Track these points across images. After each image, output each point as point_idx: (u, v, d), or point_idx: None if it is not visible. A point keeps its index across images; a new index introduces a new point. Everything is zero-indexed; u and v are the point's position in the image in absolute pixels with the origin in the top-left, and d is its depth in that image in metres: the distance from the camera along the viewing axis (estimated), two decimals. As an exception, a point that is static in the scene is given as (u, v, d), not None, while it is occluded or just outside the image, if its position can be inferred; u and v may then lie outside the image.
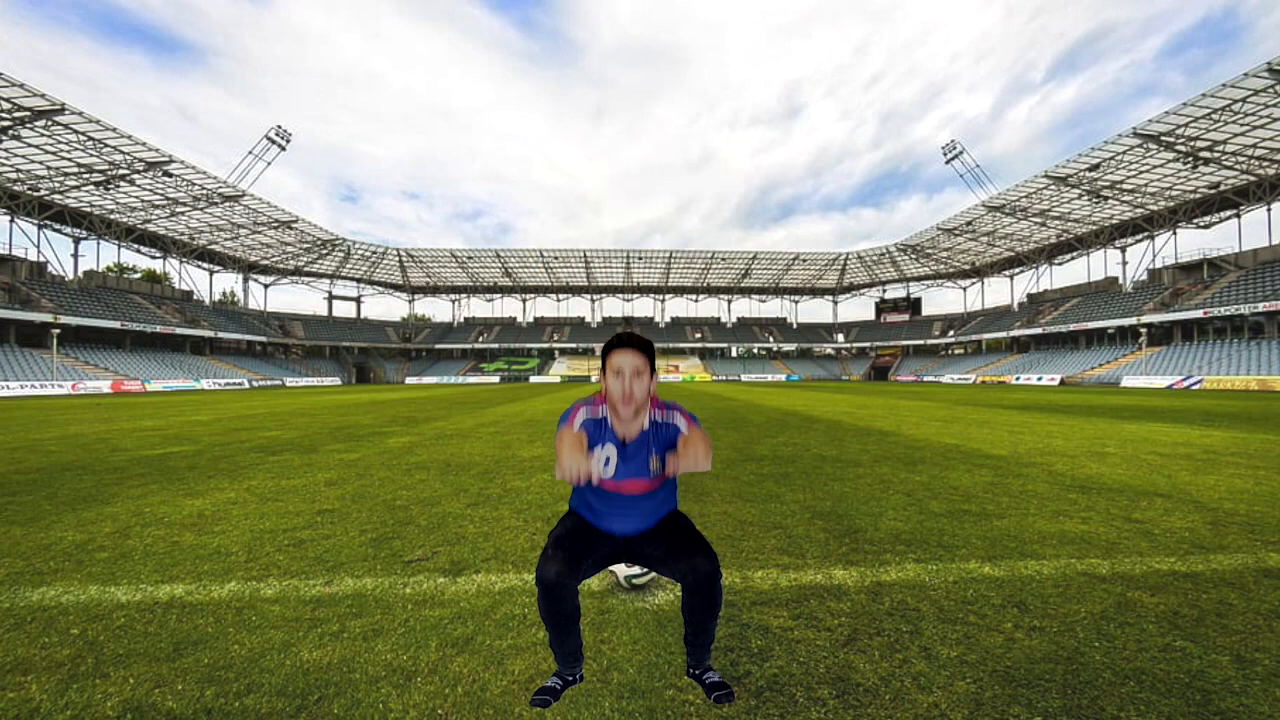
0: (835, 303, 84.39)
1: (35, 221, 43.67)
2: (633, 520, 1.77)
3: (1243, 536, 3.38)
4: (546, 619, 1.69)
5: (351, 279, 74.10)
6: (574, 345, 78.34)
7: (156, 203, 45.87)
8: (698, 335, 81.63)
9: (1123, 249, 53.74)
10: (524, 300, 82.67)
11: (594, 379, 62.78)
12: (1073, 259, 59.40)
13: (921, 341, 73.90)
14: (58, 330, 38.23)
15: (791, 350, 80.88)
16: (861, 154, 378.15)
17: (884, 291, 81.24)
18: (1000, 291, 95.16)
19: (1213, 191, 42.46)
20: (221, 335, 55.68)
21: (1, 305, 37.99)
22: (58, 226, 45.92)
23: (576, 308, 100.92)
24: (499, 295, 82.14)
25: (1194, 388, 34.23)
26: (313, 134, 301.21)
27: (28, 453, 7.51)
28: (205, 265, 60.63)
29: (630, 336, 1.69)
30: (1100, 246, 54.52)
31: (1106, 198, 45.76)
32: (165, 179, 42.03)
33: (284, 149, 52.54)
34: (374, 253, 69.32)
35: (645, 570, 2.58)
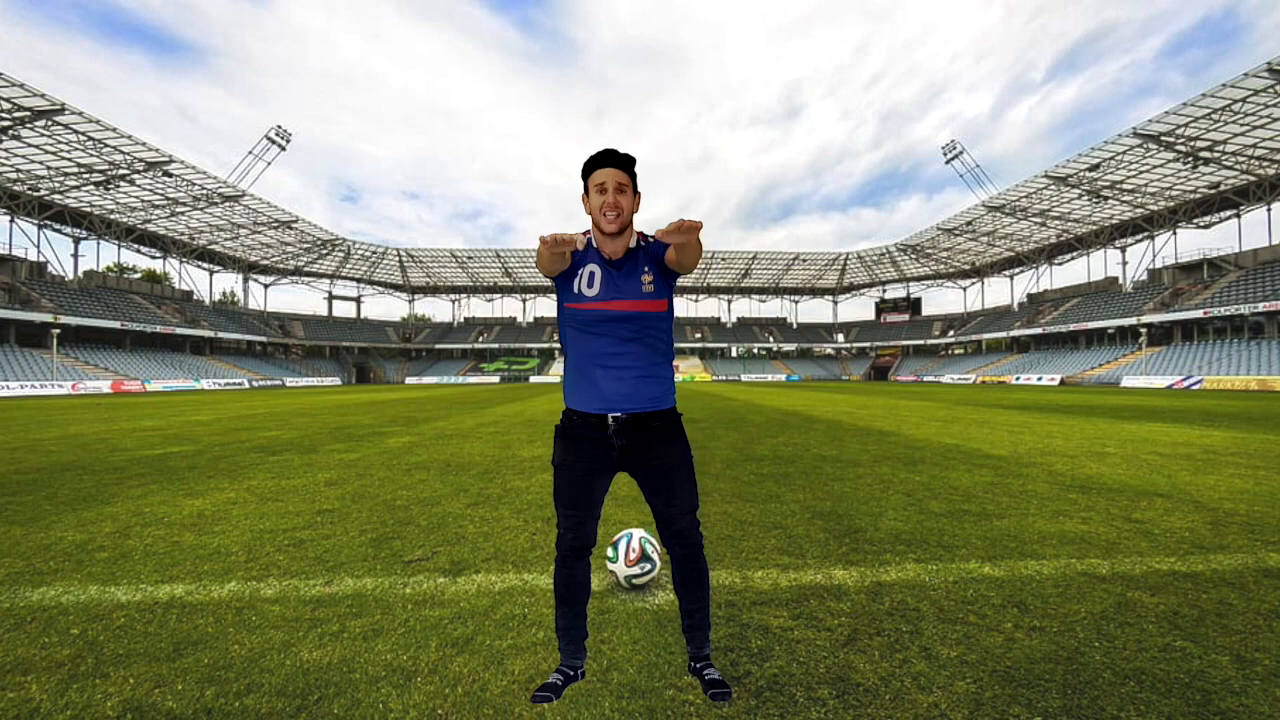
0: (835, 303, 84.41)
1: (35, 221, 43.67)
2: (626, 382, 1.67)
3: (1243, 536, 3.37)
4: (559, 590, 1.73)
5: (351, 279, 74.11)
6: (574, 345, 78.14)
7: (156, 203, 45.88)
8: (698, 335, 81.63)
9: (1123, 249, 53.76)
10: (524, 300, 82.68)
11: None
12: (1073, 259, 59.42)
13: (921, 341, 73.90)
14: (58, 330, 38.23)
15: (791, 350, 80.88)
16: (861, 154, 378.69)
17: (884, 291, 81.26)
18: (1000, 291, 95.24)
19: (1213, 191, 42.47)
20: (221, 335, 55.69)
21: (1, 305, 37.99)
22: (58, 226, 45.93)
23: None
24: (499, 295, 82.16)
25: (1194, 388, 34.24)
26: (313, 134, 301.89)
27: (28, 453, 7.51)
28: (205, 265, 60.64)
29: (612, 151, 1.62)
30: (1100, 246, 54.53)
31: (1106, 198, 45.76)
32: (165, 179, 42.04)
33: (284, 149, 52.55)
34: (374, 253, 69.32)
35: (645, 570, 2.59)
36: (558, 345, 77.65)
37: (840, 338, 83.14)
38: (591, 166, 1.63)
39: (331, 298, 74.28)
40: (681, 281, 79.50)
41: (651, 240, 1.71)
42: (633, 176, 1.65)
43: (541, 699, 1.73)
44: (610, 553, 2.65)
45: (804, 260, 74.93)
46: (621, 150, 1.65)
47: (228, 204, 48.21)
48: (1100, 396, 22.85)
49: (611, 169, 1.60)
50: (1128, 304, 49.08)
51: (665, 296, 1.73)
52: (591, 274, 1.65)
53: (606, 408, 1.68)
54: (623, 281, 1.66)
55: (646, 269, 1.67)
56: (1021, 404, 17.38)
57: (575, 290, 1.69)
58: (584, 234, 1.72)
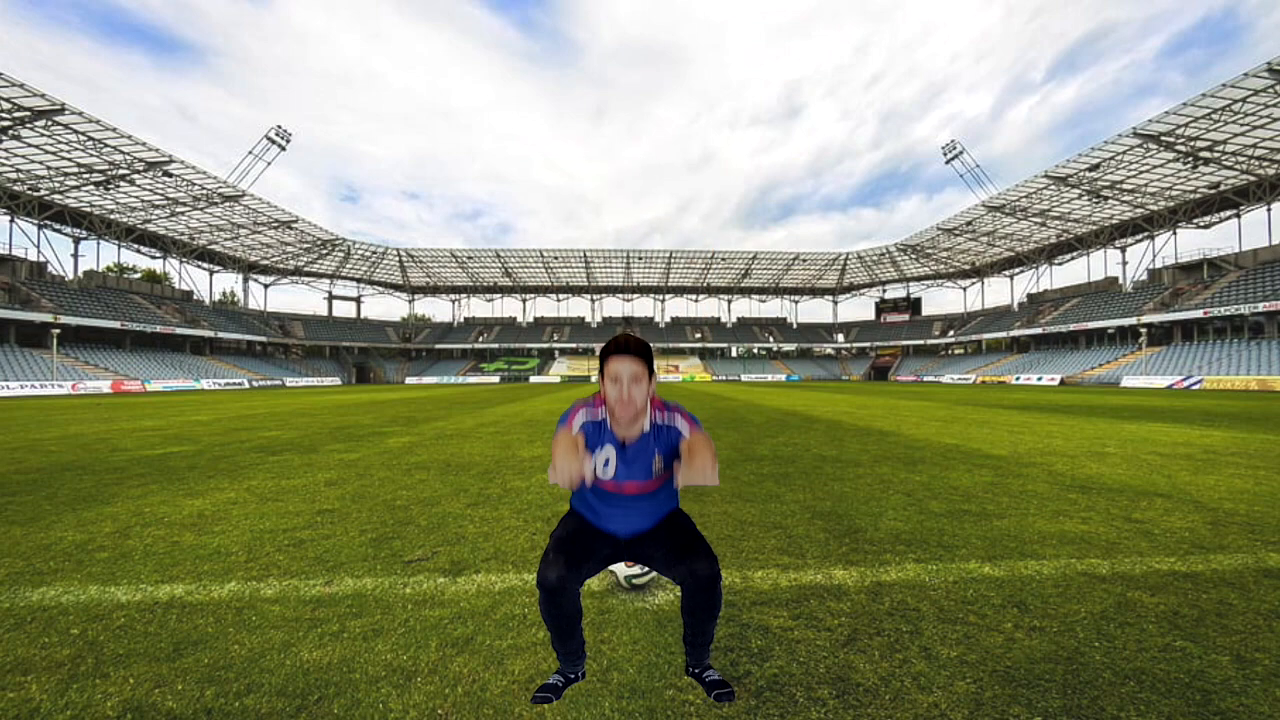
0: (835, 303, 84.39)
1: (35, 221, 43.66)
2: (633, 520, 1.77)
3: (1243, 536, 3.37)
4: (548, 620, 1.70)
5: (351, 279, 74.10)
6: (574, 345, 78.34)
7: (156, 203, 45.87)
8: (698, 335, 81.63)
9: (1123, 249, 53.74)
10: (524, 300, 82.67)
11: (594, 379, 62.77)
12: (1073, 259, 59.40)
13: (921, 341, 73.88)
14: (58, 330, 38.23)
15: (791, 350, 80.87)
16: (861, 154, 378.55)
17: (884, 291, 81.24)
18: (1000, 291, 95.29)
19: (1213, 191, 42.46)
20: (221, 335, 55.67)
21: (1, 305, 37.99)
22: (58, 226, 45.92)
23: (576, 308, 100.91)
24: (499, 295, 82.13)
25: (1194, 388, 34.23)
26: (313, 134, 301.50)
27: (28, 453, 7.51)
28: (205, 265, 60.63)
29: (627, 341, 1.66)
30: (1100, 246, 54.52)
31: (1106, 198, 45.75)
32: (165, 179, 42.03)
33: (284, 149, 52.54)
34: (374, 253, 69.31)
35: (645, 570, 2.59)
36: (558, 345, 77.79)
37: (840, 338, 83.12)
38: (608, 354, 1.67)
39: (331, 298, 74.28)
40: (681, 282, 79.83)
41: (670, 425, 1.74)
42: (649, 364, 1.70)
43: (542, 699, 1.73)
44: (610, 553, 2.65)
45: (804, 260, 74.91)
46: (636, 338, 1.69)
47: (228, 204, 48.20)
48: (1100, 396, 22.85)
49: (627, 360, 1.64)
50: (1128, 304, 49.07)
51: (674, 462, 1.79)
52: (607, 459, 1.72)
53: (615, 535, 1.79)
54: (634, 465, 1.73)
55: (657, 453, 1.72)
56: (1021, 404, 17.38)
57: (591, 467, 1.75)
58: (598, 404, 1.76)
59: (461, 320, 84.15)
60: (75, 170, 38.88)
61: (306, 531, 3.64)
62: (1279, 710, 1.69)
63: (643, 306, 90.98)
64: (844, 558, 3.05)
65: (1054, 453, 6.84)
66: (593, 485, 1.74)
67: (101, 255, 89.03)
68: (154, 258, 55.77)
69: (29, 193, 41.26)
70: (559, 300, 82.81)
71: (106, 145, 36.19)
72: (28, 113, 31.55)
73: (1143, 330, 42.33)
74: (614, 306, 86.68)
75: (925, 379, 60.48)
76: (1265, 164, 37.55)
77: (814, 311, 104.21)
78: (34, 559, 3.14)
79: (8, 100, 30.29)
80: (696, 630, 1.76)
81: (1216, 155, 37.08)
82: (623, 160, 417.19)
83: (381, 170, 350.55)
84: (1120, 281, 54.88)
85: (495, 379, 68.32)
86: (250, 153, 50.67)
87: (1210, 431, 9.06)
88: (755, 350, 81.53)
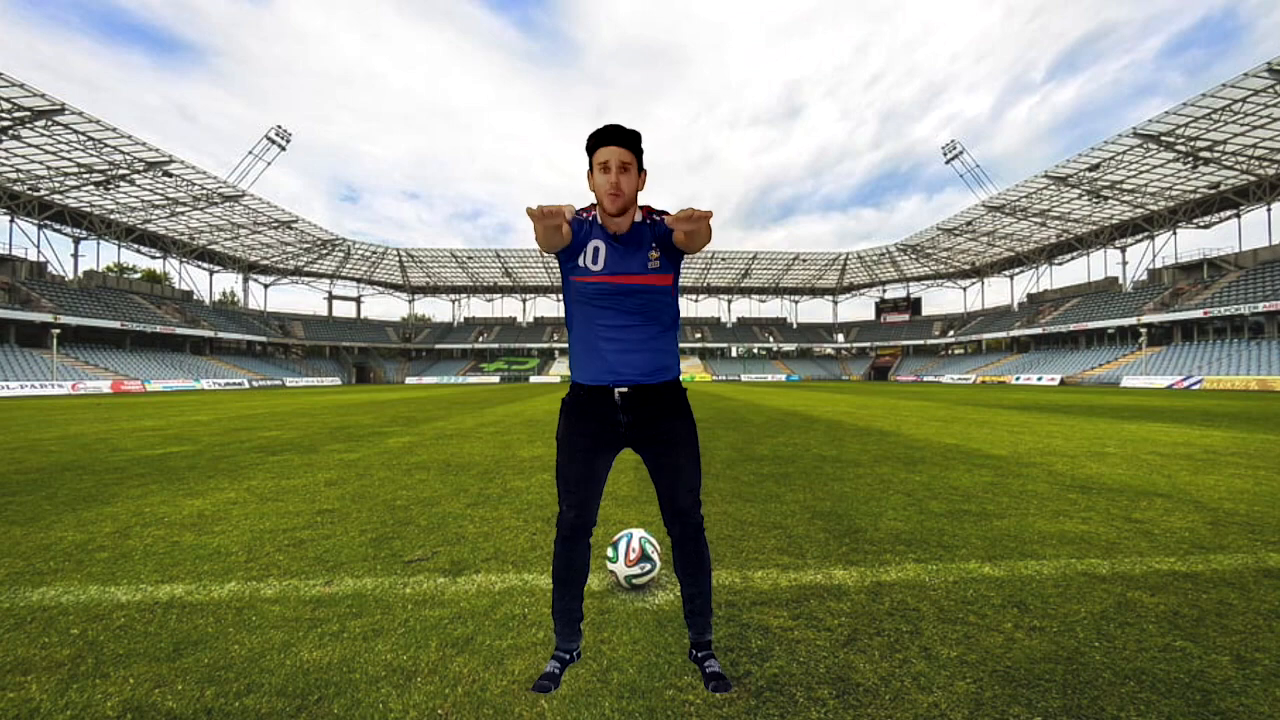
0: (835, 303, 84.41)
1: (35, 221, 43.67)
2: (631, 347, 1.67)
3: (1243, 536, 3.37)
4: (558, 572, 1.74)
5: (351, 279, 74.11)
6: (574, 345, 78.16)
7: (156, 203, 45.88)
8: (698, 335, 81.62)
9: (1123, 249, 53.76)
10: (524, 300, 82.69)
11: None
12: (1073, 259, 59.43)
13: (921, 341, 73.89)
14: (58, 330, 38.23)
15: (791, 350, 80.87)
16: (861, 154, 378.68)
17: (884, 291, 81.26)
18: (1000, 291, 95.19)
19: (1213, 191, 42.47)
20: (221, 335, 55.69)
21: (1, 305, 37.99)
22: (58, 226, 45.93)
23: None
24: (499, 295, 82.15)
25: (1194, 388, 34.23)
26: (313, 134, 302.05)
27: (28, 453, 7.51)
28: (205, 265, 60.64)
29: (616, 127, 1.58)
30: (1100, 246, 54.53)
31: (1106, 198, 45.76)
32: (165, 179, 42.04)
33: (284, 149, 52.55)
34: (374, 253, 69.33)
35: (645, 570, 2.59)
36: (558, 345, 77.69)
37: (840, 338, 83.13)
38: (595, 143, 1.59)
39: (331, 298, 74.29)
40: (682, 282, 79.51)
41: (659, 219, 1.69)
42: (638, 154, 1.62)
43: (542, 688, 1.73)
44: (610, 553, 2.65)
45: (804, 260, 74.92)
46: (628, 127, 1.61)
47: (228, 204, 48.21)
48: (1100, 396, 22.85)
49: (615, 147, 1.57)
50: (1128, 304, 49.08)
51: (670, 272, 1.72)
52: (596, 249, 1.64)
53: (613, 380, 1.68)
54: (627, 256, 1.65)
55: (653, 245, 1.66)
56: (1021, 404, 17.38)
57: (580, 264, 1.68)
58: (582, 211, 1.70)
59: (461, 320, 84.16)
60: (75, 170, 38.89)
61: (306, 531, 3.64)
62: (1279, 710, 1.69)
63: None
64: (844, 558, 3.05)
65: (1054, 453, 6.83)
66: (585, 281, 1.66)
67: (101, 255, 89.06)
68: (154, 258, 55.81)
69: (29, 193, 41.26)
70: (559, 300, 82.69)
71: (106, 145, 36.20)
72: (28, 113, 31.56)
73: (1143, 330, 42.34)
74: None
75: (925, 379, 60.48)
76: (1265, 164, 37.55)
77: (814, 311, 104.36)
78: (34, 559, 3.14)
79: (8, 100, 30.29)
80: (693, 592, 1.78)
81: (1216, 155, 37.08)
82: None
83: (381, 170, 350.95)
84: (1120, 281, 54.89)
85: (495, 379, 68.33)
86: (250, 153, 50.70)
87: (1210, 431, 9.06)
88: (755, 350, 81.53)
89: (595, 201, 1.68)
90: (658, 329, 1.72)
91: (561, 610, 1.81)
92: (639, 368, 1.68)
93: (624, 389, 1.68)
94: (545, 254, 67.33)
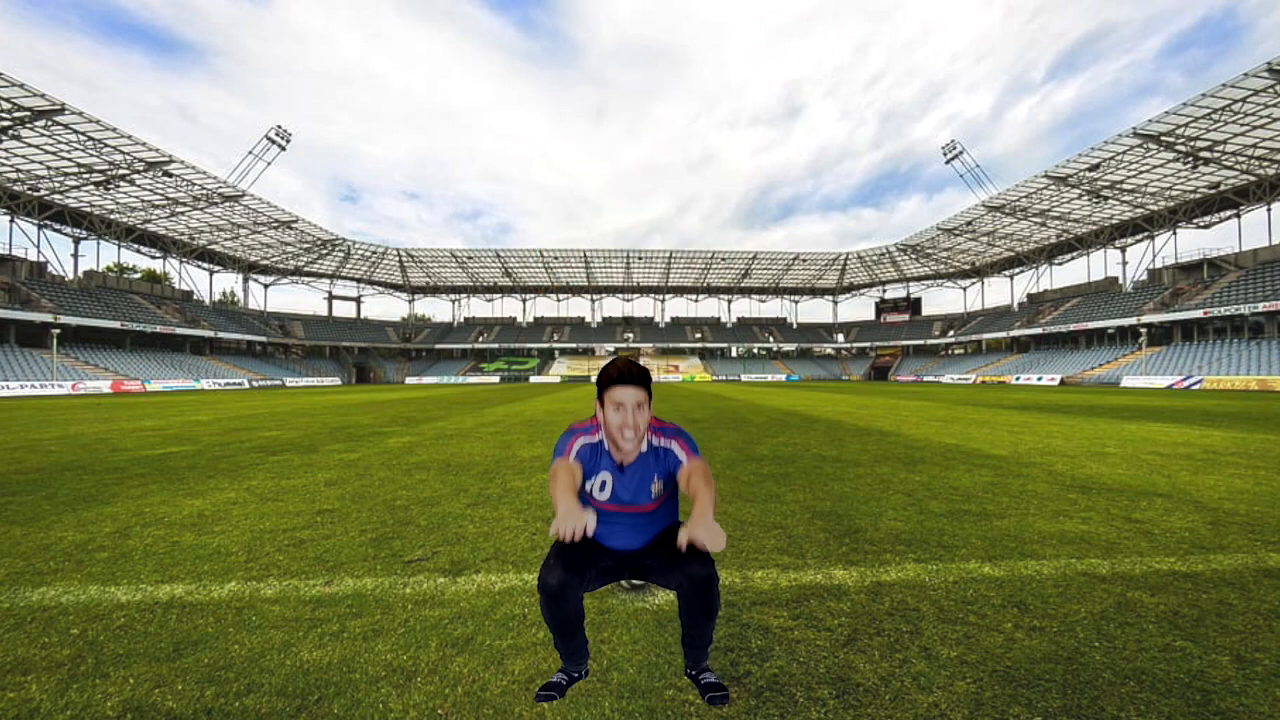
0: (835, 303, 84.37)
1: (35, 221, 43.66)
2: (632, 538, 1.78)
3: (1243, 536, 3.37)
4: (550, 623, 1.69)
5: (351, 279, 74.08)
6: (574, 345, 78.31)
7: (156, 203, 45.86)
8: (698, 335, 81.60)
9: (1123, 249, 53.73)
10: (524, 300, 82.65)
11: (593, 379, 62.65)
12: (1073, 259, 59.39)
13: (921, 341, 73.86)
14: (58, 330, 38.21)
15: (791, 350, 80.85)
16: (861, 154, 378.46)
17: (884, 291, 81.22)
18: (1000, 291, 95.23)
19: (1213, 191, 42.45)
20: (221, 335, 55.66)
21: (1, 305, 37.98)
22: (58, 226, 45.91)
23: (576, 308, 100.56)
24: (499, 295, 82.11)
25: (1194, 388, 34.23)
26: (313, 134, 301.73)
27: (28, 453, 7.51)
28: (205, 265, 60.61)
29: (630, 368, 1.66)
30: (1100, 246, 54.51)
31: (1106, 198, 45.75)
32: (165, 179, 42.02)
33: (284, 149, 52.52)
34: (374, 253, 69.30)
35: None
36: (558, 345, 77.73)
37: (840, 338, 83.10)
38: (609, 383, 1.66)
39: (331, 298, 74.25)
40: (681, 282, 79.79)
41: (666, 448, 1.74)
42: (649, 390, 1.70)
43: (545, 697, 1.73)
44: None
45: (804, 260, 74.89)
46: (635, 364, 1.69)
47: (228, 204, 48.19)
48: (1100, 396, 22.85)
49: (630, 388, 1.64)
50: (1128, 304, 49.06)
51: (672, 486, 1.78)
52: (604, 482, 1.72)
53: (615, 549, 1.78)
54: (633, 489, 1.72)
55: (656, 477, 1.72)
56: (1021, 404, 17.38)
57: (586, 489, 1.75)
58: (595, 429, 1.76)
59: (461, 320, 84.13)
60: (75, 170, 38.87)
61: (306, 531, 3.64)
62: (1279, 710, 1.69)
63: (642, 306, 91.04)
64: (844, 558, 3.05)
65: (1054, 453, 6.83)
66: (592, 503, 1.75)
67: (101, 255, 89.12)
68: (154, 258, 55.77)
69: (29, 193, 41.25)
70: (559, 300, 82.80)
71: (106, 145, 36.18)
72: (28, 113, 31.54)
73: (1143, 330, 42.32)
74: (614, 306, 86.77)
75: (925, 379, 60.46)
76: (1265, 164, 37.54)
77: (814, 311, 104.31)
78: (34, 559, 3.14)
79: (8, 100, 30.28)
80: (694, 632, 1.74)
81: (1216, 155, 37.07)
82: (623, 160, 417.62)
83: (381, 170, 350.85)
84: (1120, 281, 54.86)
85: (495, 379, 68.30)
86: (250, 153, 50.67)
87: (1210, 431, 9.06)
88: (755, 350, 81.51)
89: (602, 425, 1.74)
90: (659, 522, 1.81)
91: (563, 649, 1.77)
92: (639, 544, 1.79)
93: (626, 554, 1.79)
94: (545, 259, 66.55)
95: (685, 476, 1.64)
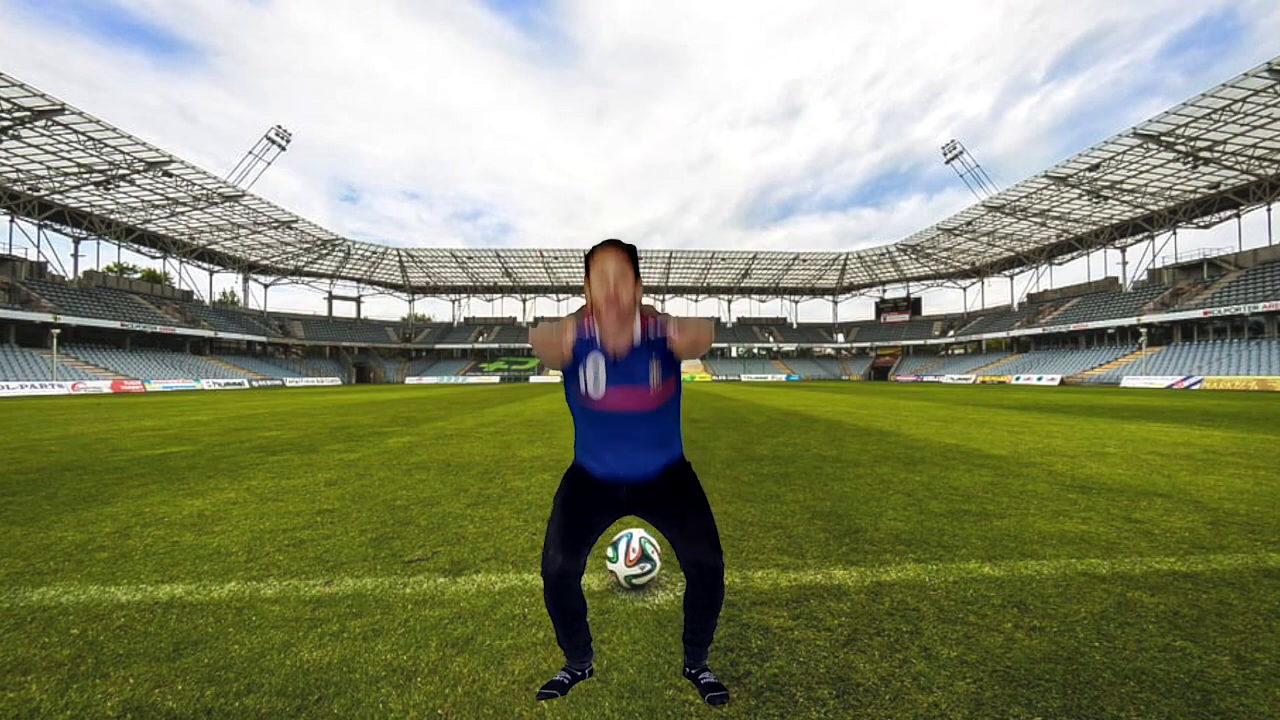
0: (835, 303, 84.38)
1: (35, 221, 43.66)
2: (636, 456, 1.68)
3: (1243, 536, 3.37)
4: (553, 612, 1.70)
5: (351, 279, 74.08)
6: (574, 345, 78.12)
7: (156, 203, 45.87)
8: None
9: (1123, 249, 53.73)
10: (524, 300, 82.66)
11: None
12: (1073, 259, 59.39)
13: (921, 341, 73.87)
14: (58, 330, 38.22)
15: (791, 350, 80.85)
16: (861, 154, 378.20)
17: (884, 291, 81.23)
18: (1000, 291, 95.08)
19: (1213, 191, 42.46)
20: (221, 335, 55.66)
21: (1, 305, 37.98)
22: (58, 226, 45.91)
23: (576, 308, 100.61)
24: (499, 295, 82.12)
25: (1194, 388, 34.23)
26: (313, 134, 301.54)
27: (28, 453, 7.51)
28: (205, 265, 60.62)
29: (614, 240, 1.63)
30: (1100, 246, 54.51)
31: (1106, 198, 45.76)
32: (165, 179, 42.03)
33: (284, 149, 52.53)
34: (374, 253, 69.31)
35: (645, 570, 2.59)
36: (558, 345, 77.63)
37: (840, 338, 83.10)
38: (593, 254, 1.64)
39: (331, 298, 74.26)
40: (681, 282, 79.83)
41: (658, 329, 1.67)
42: (634, 263, 1.65)
43: (547, 695, 1.73)
44: (610, 553, 2.65)
45: (804, 260, 74.91)
46: (622, 240, 1.66)
47: (228, 204, 48.19)
48: (1100, 396, 22.85)
49: (611, 253, 1.61)
50: (1128, 304, 49.06)
51: (672, 374, 1.71)
52: (595, 372, 1.64)
53: (618, 479, 1.70)
54: (628, 378, 1.64)
55: (654, 357, 1.66)
56: (1021, 404, 17.38)
57: (581, 387, 1.67)
58: (588, 321, 1.69)
59: (461, 320, 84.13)
60: (75, 170, 38.88)
61: (306, 531, 3.64)
62: (1279, 710, 1.69)
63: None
64: (844, 558, 3.05)
65: (1054, 453, 6.83)
66: (587, 406, 1.66)
67: (101, 255, 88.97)
68: (154, 258, 55.78)
69: (29, 193, 41.25)
70: (559, 300, 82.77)
71: (106, 145, 36.18)
72: (28, 113, 31.54)
73: (1143, 330, 42.32)
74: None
75: (925, 379, 60.46)
76: (1265, 164, 37.55)
77: (814, 311, 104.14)
78: (34, 559, 3.14)
79: (8, 100, 30.28)
80: (697, 626, 1.74)
81: (1216, 155, 37.08)
82: (623, 160, 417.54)
83: (381, 170, 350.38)
84: (1120, 281, 54.87)
85: (495, 379, 68.30)
86: (250, 153, 50.68)
87: (1210, 431, 9.06)
88: (755, 350, 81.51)
89: (591, 308, 1.67)
90: (661, 435, 1.72)
91: (566, 642, 1.78)
92: (643, 468, 1.69)
93: (630, 484, 1.70)
94: (545, 259, 66.46)
95: (676, 326, 1.58)
